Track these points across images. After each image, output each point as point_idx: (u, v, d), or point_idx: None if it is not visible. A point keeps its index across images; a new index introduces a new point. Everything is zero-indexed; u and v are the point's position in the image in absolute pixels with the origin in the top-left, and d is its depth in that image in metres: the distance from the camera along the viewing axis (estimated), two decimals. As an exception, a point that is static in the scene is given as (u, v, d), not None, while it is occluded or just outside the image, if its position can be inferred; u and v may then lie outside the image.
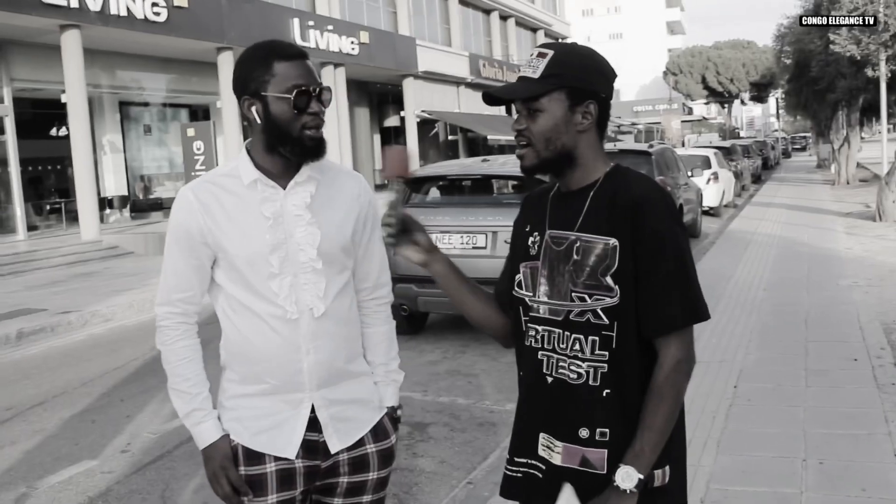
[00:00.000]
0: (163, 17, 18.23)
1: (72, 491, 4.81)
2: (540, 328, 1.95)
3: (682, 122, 68.31)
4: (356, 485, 2.24)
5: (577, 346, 1.88)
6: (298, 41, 23.09)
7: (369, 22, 28.53)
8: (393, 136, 35.20)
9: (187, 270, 2.15)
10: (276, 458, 2.14)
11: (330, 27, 24.69)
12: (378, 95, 33.22)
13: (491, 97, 1.96)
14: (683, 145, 43.77)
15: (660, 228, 1.83)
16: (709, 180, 18.86)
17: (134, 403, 6.43)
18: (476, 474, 4.56)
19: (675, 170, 14.46)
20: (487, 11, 39.49)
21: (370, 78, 29.92)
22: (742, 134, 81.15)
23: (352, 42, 25.66)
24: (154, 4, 18.01)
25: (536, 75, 1.89)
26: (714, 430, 4.87)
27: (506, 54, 40.43)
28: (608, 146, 15.71)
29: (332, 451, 2.19)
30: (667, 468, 1.88)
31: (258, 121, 2.08)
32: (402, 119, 31.17)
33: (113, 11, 17.10)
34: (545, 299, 1.93)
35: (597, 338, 1.86)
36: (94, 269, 13.95)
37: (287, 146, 2.09)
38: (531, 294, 1.97)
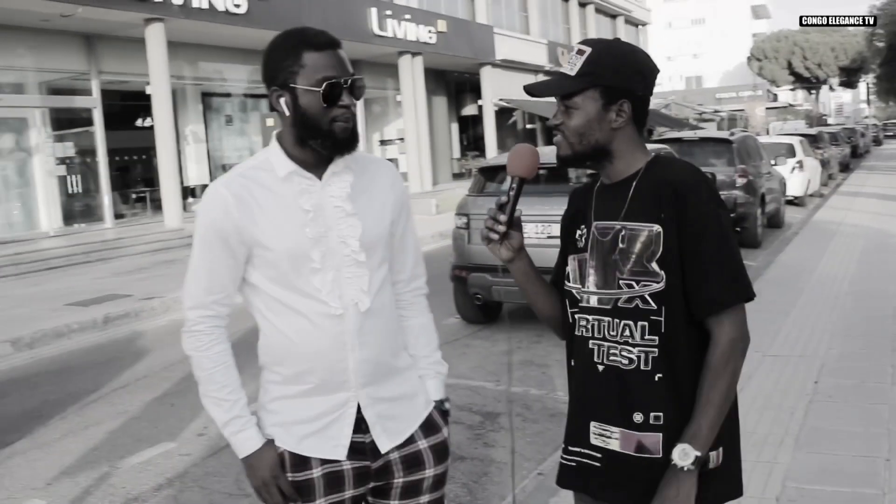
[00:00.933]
0: (243, 9, 18.53)
1: (151, 472, 4.95)
2: (590, 318, 1.98)
3: (767, 109, 66.46)
4: (412, 484, 2.16)
5: (626, 333, 1.92)
6: (376, 31, 23.25)
7: (447, 10, 28.51)
8: (471, 125, 35.17)
9: (222, 270, 2.06)
10: (323, 462, 2.08)
11: (408, 16, 24.75)
12: (456, 84, 33.19)
13: (531, 91, 2.00)
14: (768, 133, 42.63)
15: (702, 211, 1.86)
16: (793, 169, 18.35)
17: (212, 388, 6.58)
18: (546, 465, 4.53)
19: (756, 158, 14.12)
20: (566, -2, 39.10)
21: (448, 67, 29.91)
22: (830, 121, 78.67)
23: (429, 31, 25.68)
24: (235, -4, 18.34)
25: (573, 72, 1.93)
26: (792, 427, 4.74)
27: (584, 41, 39.96)
28: (688, 133, 15.42)
29: (383, 451, 2.12)
30: (720, 450, 1.91)
31: (287, 113, 2.01)
32: (480, 108, 31.08)
33: (195, 4, 17.45)
34: (594, 289, 1.97)
35: (646, 323, 1.90)
36: (176, 257, 14.30)
37: (318, 139, 2.01)
38: (580, 286, 2.01)
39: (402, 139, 27.48)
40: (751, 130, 48.98)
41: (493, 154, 28.41)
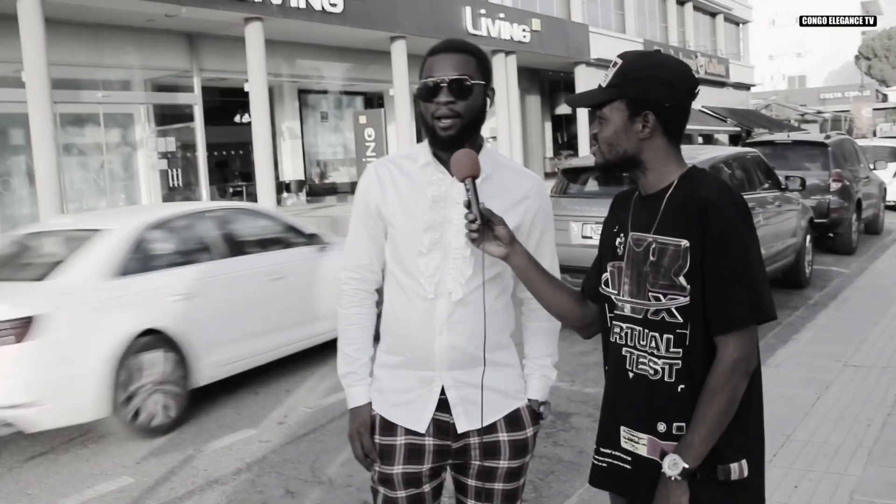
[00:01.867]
0: (339, 9, 18.90)
1: (232, 456, 5.19)
2: (624, 325, 2.03)
3: (875, 109, 64.05)
4: (487, 469, 2.31)
5: (653, 344, 1.96)
6: (470, 29, 23.36)
7: (541, 9, 28.44)
8: (564, 124, 35.01)
9: (366, 241, 2.34)
10: (407, 432, 2.27)
11: (502, 15, 24.80)
12: (549, 83, 33.09)
13: (569, 102, 2.12)
14: (875, 134, 41.10)
15: (725, 229, 1.89)
16: (895, 174, 17.72)
17: (294, 379, 6.81)
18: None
19: (854, 162, 13.70)
20: (664, -4, 38.50)
21: (542, 65, 29.85)
22: (943, 123, 75.28)
23: (523, 30, 25.68)
24: (331, -4, 18.73)
25: (604, 84, 2.00)
26: (866, 439, 4.66)
27: (682, 40, 39.28)
28: (780, 136, 15.06)
29: (460, 431, 2.26)
30: (744, 462, 1.93)
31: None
32: (574, 108, 30.91)
33: (293, 4, 17.89)
34: (628, 298, 2.02)
35: (671, 336, 1.94)
36: (269, 250, 14.67)
37: (429, 135, 2.25)
38: (616, 293, 2.06)
39: (494, 138, 27.56)
40: (856, 132, 47.36)
41: (586, 153, 28.26)
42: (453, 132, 2.18)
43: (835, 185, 12.30)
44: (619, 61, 2.00)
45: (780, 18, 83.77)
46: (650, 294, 1.96)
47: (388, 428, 2.29)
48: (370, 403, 2.33)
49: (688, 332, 1.92)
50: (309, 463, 4.98)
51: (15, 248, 6.50)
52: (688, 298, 1.91)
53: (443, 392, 2.26)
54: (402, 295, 2.26)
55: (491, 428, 2.29)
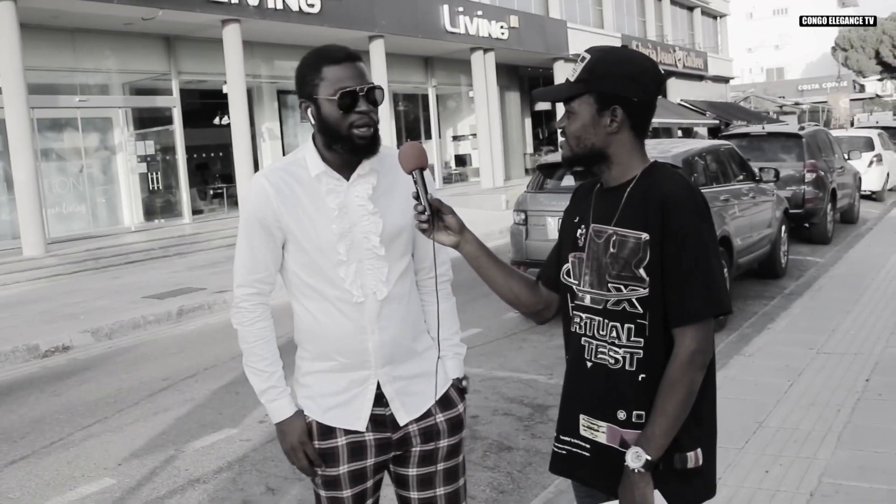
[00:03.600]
0: (316, 9, 18.90)
1: (213, 455, 5.23)
2: (583, 315, 2.08)
3: (852, 100, 64.45)
4: (428, 453, 2.37)
5: (614, 333, 2.01)
6: (448, 27, 23.41)
7: (519, 6, 28.50)
8: (544, 120, 35.09)
9: (263, 252, 2.30)
10: (347, 432, 2.31)
11: (479, 12, 24.84)
12: (529, 79, 33.15)
13: (537, 96, 2.14)
14: (852, 125, 41.41)
15: (684, 224, 1.94)
16: (871, 163, 17.93)
17: (275, 378, 6.84)
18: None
19: (828, 153, 13.87)
20: (641, -9, 38.66)
21: (520, 62, 29.91)
22: (920, 112, 75.82)
23: (501, 27, 25.73)
24: (308, -4, 18.72)
25: (573, 79, 2.03)
26: (836, 424, 4.75)
27: (660, 34, 39.45)
28: (755, 129, 15.19)
29: (401, 423, 2.33)
30: (699, 451, 1.99)
31: (312, 122, 2.24)
32: (553, 103, 30.99)
33: (270, 5, 17.88)
34: (588, 289, 2.07)
35: (632, 325, 1.99)
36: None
37: (339, 144, 2.22)
38: (577, 283, 2.10)
39: (474, 135, 27.61)
40: (834, 123, 47.69)
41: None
42: (369, 141, 2.22)
43: (809, 176, 12.44)
44: (588, 56, 2.03)
45: (758, 11, 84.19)
46: (610, 285, 2.01)
47: (327, 432, 2.30)
48: (301, 411, 2.32)
49: (647, 323, 1.97)
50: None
51: None
52: (647, 290, 1.96)
53: (377, 388, 2.31)
54: (324, 302, 2.27)
55: (427, 413, 2.37)
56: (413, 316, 2.38)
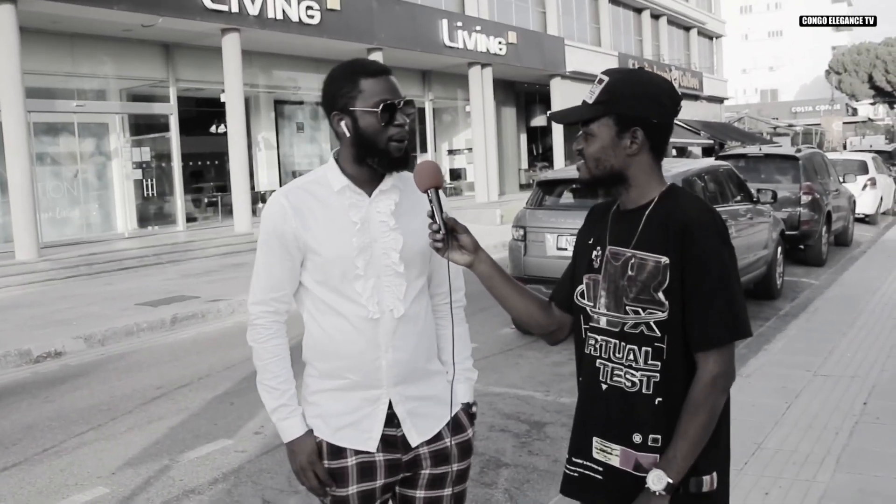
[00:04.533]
0: (316, 20, 18.94)
1: (208, 466, 5.19)
2: (599, 338, 2.06)
3: (845, 123, 64.93)
4: (437, 477, 2.35)
5: (631, 356, 1.99)
6: (447, 42, 23.49)
7: (518, 22, 28.63)
8: (539, 136, 35.20)
9: (280, 272, 2.29)
10: (357, 452, 2.27)
11: (478, 27, 24.94)
12: (525, 95, 33.28)
13: (555, 118, 2.11)
14: (845, 147, 41.65)
15: (706, 249, 1.93)
16: (865, 186, 18.01)
17: (270, 389, 6.79)
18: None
19: (824, 175, 13.93)
20: (639, 10, 38.83)
21: (517, 78, 30.02)
22: (912, 137, 76.30)
23: (500, 42, 25.84)
24: (308, 8, 18.72)
25: (591, 100, 2.01)
26: (835, 447, 4.74)
27: (657, 54, 39.67)
28: (752, 150, 15.25)
29: (413, 445, 2.31)
30: (714, 475, 1.97)
31: (347, 134, 2.23)
32: (549, 119, 31.09)
33: (270, 15, 17.91)
34: (604, 311, 2.04)
35: (650, 349, 1.97)
36: (244, 261, 14.69)
37: (375, 157, 2.22)
38: (592, 304, 2.08)
39: (470, 149, 27.66)
40: (827, 145, 47.95)
41: (560, 165, 28.41)
42: (404, 153, 2.24)
43: (805, 198, 12.48)
44: (605, 78, 2.01)
45: (753, 33, 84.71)
46: (628, 308, 1.99)
47: (337, 452, 2.28)
48: (311, 431, 2.30)
49: (665, 346, 1.96)
50: (285, 473, 4.98)
51: None
52: (666, 314, 1.94)
53: (388, 407, 2.29)
54: (339, 319, 2.25)
55: (437, 436, 2.35)
56: (427, 337, 2.36)
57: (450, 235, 2.08)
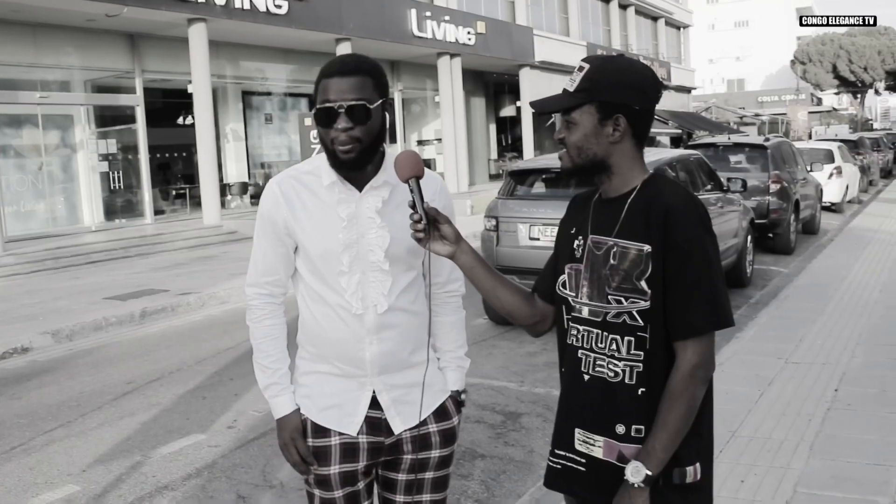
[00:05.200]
0: (284, 10, 18.77)
1: (181, 461, 5.12)
2: (581, 328, 2.04)
3: (810, 113, 65.56)
4: (419, 462, 2.37)
5: (614, 346, 1.97)
6: (415, 31, 23.39)
7: (486, 12, 28.59)
8: (509, 126, 35.22)
9: (273, 257, 2.33)
10: (341, 433, 2.31)
11: (447, 17, 24.87)
12: (494, 85, 33.26)
13: (535, 107, 2.08)
14: (810, 137, 42.10)
15: (688, 237, 1.91)
16: (831, 175, 18.20)
17: (243, 383, 6.74)
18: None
19: (792, 164, 14.06)
20: (606, 0, 38.96)
21: (486, 68, 29.99)
22: (876, 126, 77.36)
23: (468, 32, 25.78)
24: (276, -3, 18.58)
25: (572, 88, 1.99)
26: (808, 434, 4.78)
27: (625, 44, 39.83)
28: (721, 139, 15.36)
29: (395, 432, 2.33)
30: (698, 465, 1.97)
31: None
32: (518, 109, 31.15)
33: (237, 5, 17.72)
34: (586, 301, 2.02)
35: (632, 338, 1.95)
36: (213, 253, 14.57)
37: (329, 157, 2.23)
38: (574, 294, 2.06)
39: (439, 140, 27.62)
40: (792, 135, 48.44)
41: (530, 155, 28.45)
42: (354, 156, 2.17)
43: (774, 187, 12.59)
44: (586, 65, 1.98)
45: (720, 23, 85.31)
46: (610, 297, 1.97)
47: (321, 431, 2.32)
48: (298, 409, 2.35)
49: (648, 336, 1.94)
50: (260, 467, 4.94)
51: None
52: (648, 302, 1.92)
53: (374, 393, 2.33)
54: (327, 307, 2.29)
55: (421, 422, 2.37)
56: (414, 329, 2.35)
57: (431, 226, 2.05)
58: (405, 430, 2.34)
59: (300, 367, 2.40)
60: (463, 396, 2.50)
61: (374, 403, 2.32)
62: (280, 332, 2.39)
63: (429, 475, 2.41)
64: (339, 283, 2.25)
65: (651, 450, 1.89)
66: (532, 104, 2.10)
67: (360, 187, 2.26)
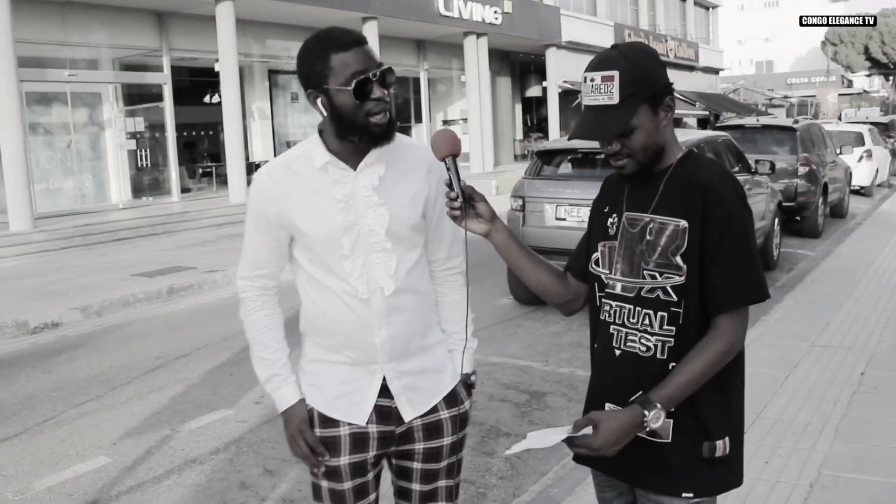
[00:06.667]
0: (311, -11, 18.75)
1: (209, 436, 5.20)
2: (614, 304, 2.06)
3: (840, 95, 64.75)
4: (432, 450, 2.31)
5: (646, 321, 1.99)
6: (442, 11, 23.29)
7: (513, -9, 28.42)
8: (534, 107, 35.05)
9: (264, 251, 2.26)
10: (350, 423, 2.24)
11: (474, -4, 24.75)
12: (520, 65, 33.09)
13: (580, 137, 2.01)
14: (840, 119, 41.60)
15: (727, 211, 1.92)
16: (861, 158, 17.99)
17: (269, 359, 6.80)
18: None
19: (821, 147, 13.91)
20: (635, -21, 38.58)
21: (513, 48, 29.83)
22: (907, 108, 76.22)
23: (495, 11, 25.64)
24: (303, -24, 18.56)
25: (615, 101, 1.92)
26: (834, 416, 4.78)
27: (653, 24, 39.42)
28: (749, 120, 15.22)
29: (406, 420, 2.27)
30: (727, 440, 1.99)
31: (324, 113, 2.14)
32: (544, 89, 30.97)
33: (264, -17, 17.75)
34: (620, 277, 2.04)
35: (665, 314, 1.97)
36: (240, 231, 14.46)
37: (355, 135, 2.12)
38: (608, 271, 2.08)
39: (465, 119, 27.55)
40: (822, 117, 47.88)
41: (555, 136, 28.34)
42: (386, 127, 2.12)
43: (802, 170, 12.47)
44: (614, 73, 1.92)
45: (749, 3, 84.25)
46: (645, 272, 1.98)
47: (329, 421, 2.24)
48: (304, 399, 2.27)
49: (682, 311, 1.95)
50: (286, 442, 5.00)
51: None
52: (683, 278, 1.94)
53: (384, 381, 2.25)
54: (331, 295, 2.20)
55: (432, 409, 2.30)
56: (424, 310, 2.29)
57: (467, 204, 2.04)
58: (416, 418, 2.28)
59: (307, 354, 2.32)
60: (473, 378, 2.42)
61: (382, 392, 2.24)
62: (276, 321, 2.31)
63: (443, 463, 2.34)
64: (343, 268, 2.17)
65: (660, 385, 1.91)
66: (576, 134, 2.02)
67: (353, 167, 2.18)
